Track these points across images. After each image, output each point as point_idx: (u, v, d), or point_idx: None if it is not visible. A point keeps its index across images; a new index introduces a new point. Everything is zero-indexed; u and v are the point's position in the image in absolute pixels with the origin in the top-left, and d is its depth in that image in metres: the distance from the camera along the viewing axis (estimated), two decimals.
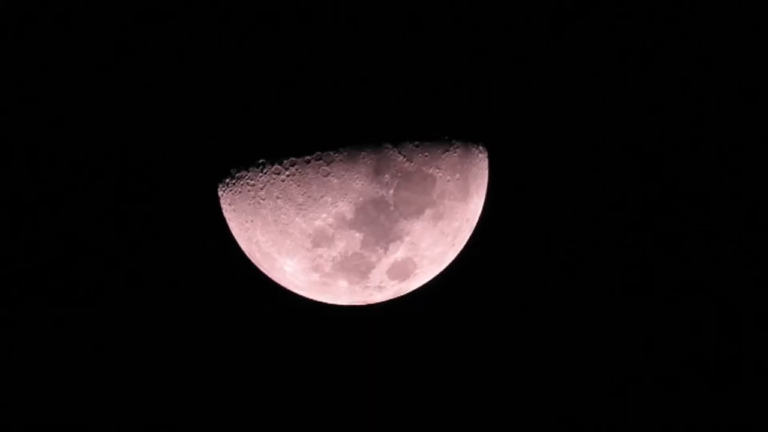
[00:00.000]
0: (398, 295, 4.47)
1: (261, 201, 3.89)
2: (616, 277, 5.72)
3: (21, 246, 5.17)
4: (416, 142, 3.74)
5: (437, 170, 3.84)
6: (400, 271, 4.08)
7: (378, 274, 4.03)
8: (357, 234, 3.81)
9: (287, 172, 3.72)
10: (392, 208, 3.76)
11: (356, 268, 3.95)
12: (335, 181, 3.68)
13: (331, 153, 3.64)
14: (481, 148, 4.18)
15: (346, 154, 3.64)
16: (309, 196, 3.73)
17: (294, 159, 3.69)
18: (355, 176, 3.67)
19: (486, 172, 4.33)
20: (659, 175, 5.45)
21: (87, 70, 4.90)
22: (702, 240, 5.48)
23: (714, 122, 5.26)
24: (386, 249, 3.90)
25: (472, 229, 4.44)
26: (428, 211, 3.89)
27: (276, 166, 3.74)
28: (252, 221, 4.04)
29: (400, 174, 3.72)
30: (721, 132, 5.26)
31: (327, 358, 5.88)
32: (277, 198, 3.81)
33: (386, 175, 3.70)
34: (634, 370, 5.71)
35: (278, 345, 5.84)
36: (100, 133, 5.09)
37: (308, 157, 3.66)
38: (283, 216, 3.84)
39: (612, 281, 5.73)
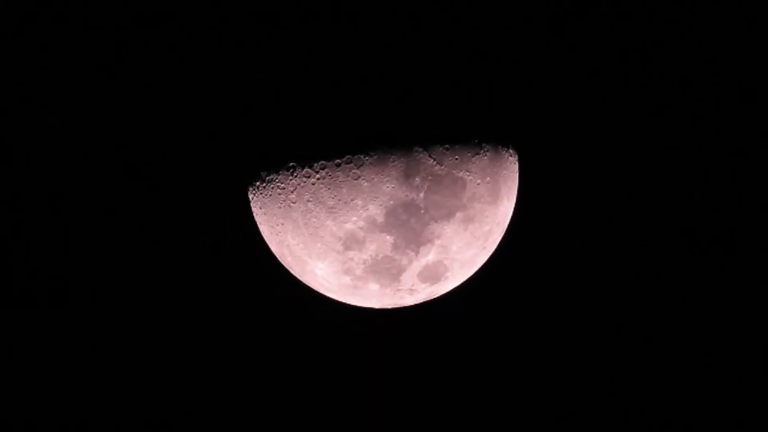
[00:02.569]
0: (429, 298, 4.47)
1: (292, 204, 3.91)
2: (657, 284, 5.69)
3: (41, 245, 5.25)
4: (446, 146, 3.74)
5: (467, 173, 3.84)
6: (431, 274, 4.08)
7: (409, 277, 4.03)
8: (388, 237, 3.82)
9: (318, 176, 3.74)
10: (423, 211, 3.76)
11: (387, 271, 3.96)
12: (366, 184, 3.69)
13: (362, 156, 3.66)
14: (511, 151, 4.18)
15: (376, 157, 3.65)
16: (339, 200, 3.75)
17: (324, 162, 3.71)
18: (386, 179, 3.68)
19: (516, 176, 4.32)
20: (703, 177, 5.41)
21: (102, 70, 4.97)
22: (746, 241, 5.42)
23: (754, 120, 5.25)
24: (417, 252, 3.90)
25: (503, 232, 4.44)
26: (459, 215, 3.89)
27: (306, 169, 3.76)
28: (283, 224, 4.06)
29: (430, 177, 3.72)
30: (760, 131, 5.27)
31: (358, 361, 5.89)
32: (308, 201, 3.82)
33: (416, 179, 3.70)
34: (685, 384, 5.66)
35: (309, 348, 5.87)
36: (132, 136, 5.19)
37: (339, 161, 3.68)
38: (313, 219, 3.86)
39: (652, 288, 5.70)
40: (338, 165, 3.69)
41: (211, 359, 5.76)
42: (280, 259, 4.48)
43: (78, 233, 5.31)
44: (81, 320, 5.45)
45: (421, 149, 3.68)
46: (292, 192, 3.87)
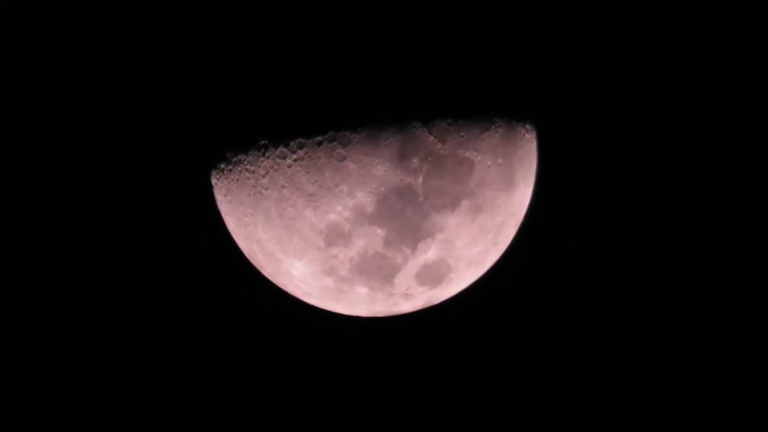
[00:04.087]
0: (429, 305, 4.49)
1: (263, 191, 3.93)
2: (697, 286, 5.75)
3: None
4: (450, 120, 3.72)
5: (475, 153, 3.83)
6: (431, 276, 4.10)
7: (404, 279, 4.05)
8: (379, 230, 3.84)
9: (294, 156, 3.74)
10: (421, 199, 3.77)
11: (378, 271, 3.98)
12: (352, 166, 3.69)
13: (348, 133, 3.65)
14: (528, 127, 4.18)
15: (365, 134, 3.64)
16: (321, 185, 3.75)
17: (303, 140, 3.70)
18: (377, 161, 3.68)
19: (534, 156, 4.32)
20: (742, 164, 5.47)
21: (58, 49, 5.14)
22: None
23: None
24: (414, 249, 3.92)
25: (518, 224, 4.45)
26: (465, 203, 3.90)
27: (281, 148, 3.76)
28: (252, 215, 4.08)
29: (430, 158, 3.72)
30: None
31: (342, 379, 5.91)
32: (283, 187, 3.83)
33: (414, 160, 3.70)
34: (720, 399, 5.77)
35: (284, 363, 5.89)
36: (70, 115, 5.32)
37: (320, 138, 3.68)
38: (289, 209, 3.87)
39: (693, 292, 5.76)
40: (319, 143, 3.68)
41: (168, 375, 5.82)
42: (248, 258, 4.49)
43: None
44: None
45: (419, 124, 3.67)
46: (263, 176, 3.89)
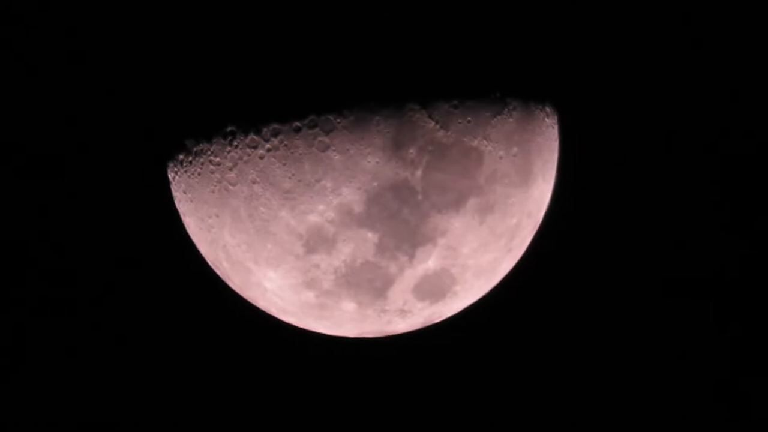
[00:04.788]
0: (429, 324, 4.45)
1: (230, 187, 3.81)
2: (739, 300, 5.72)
3: None
4: (454, 102, 3.61)
5: (485, 142, 3.71)
6: (431, 289, 4.03)
7: (400, 293, 3.97)
8: (369, 234, 3.73)
9: (268, 145, 3.62)
10: (420, 197, 3.66)
11: (369, 283, 3.89)
12: (337, 158, 3.57)
13: (332, 117, 3.54)
14: (548, 110, 4.09)
15: (352, 119, 3.53)
16: (300, 180, 3.63)
17: (277, 126, 3.59)
18: (367, 151, 3.56)
19: (555, 145, 4.26)
20: None
21: None
22: None
23: None
24: (412, 256, 3.82)
25: (537, 227, 4.39)
26: (472, 202, 3.79)
27: (252, 136, 3.65)
28: (217, 216, 3.97)
29: (431, 147, 3.61)
30: None
31: (325, 412, 5.83)
32: (254, 183, 3.73)
33: (411, 150, 3.58)
34: None
35: (255, 393, 5.84)
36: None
37: (298, 124, 3.56)
38: (262, 209, 3.76)
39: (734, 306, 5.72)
40: (297, 130, 3.56)
41: (116, 412, 5.80)
42: (212, 266, 4.44)
43: None
44: None
45: (417, 107, 3.55)
46: (230, 169, 3.77)
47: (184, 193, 4.12)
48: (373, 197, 3.63)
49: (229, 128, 3.69)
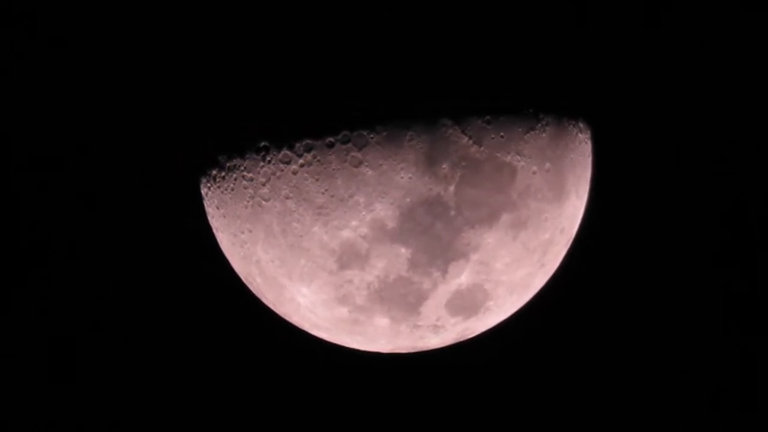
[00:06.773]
0: (462, 339, 4.45)
1: (263, 202, 3.83)
2: None
3: None
4: (487, 117, 3.62)
5: (518, 158, 3.73)
6: (464, 304, 4.03)
7: (433, 309, 3.97)
8: (402, 250, 3.74)
9: (301, 161, 3.63)
10: (453, 212, 3.67)
11: (402, 299, 3.89)
12: (370, 173, 3.59)
13: (365, 133, 3.55)
14: (581, 125, 4.10)
15: (385, 134, 3.54)
16: (332, 196, 3.65)
17: (310, 141, 3.60)
18: (400, 166, 3.56)
19: (589, 161, 4.27)
20: None
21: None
22: None
23: None
24: (445, 272, 3.82)
25: (569, 243, 4.40)
26: (505, 217, 3.80)
27: (285, 151, 3.66)
28: (250, 231, 3.99)
29: (464, 163, 3.62)
30: None
31: (359, 427, 5.84)
32: (287, 198, 3.73)
33: (444, 165, 3.59)
34: None
35: (288, 408, 5.84)
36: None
37: (331, 139, 3.58)
38: (295, 224, 3.77)
39: None
40: (331, 145, 3.58)
41: (155, 416, 5.82)
42: (245, 282, 4.44)
43: None
44: None
45: (450, 122, 3.56)
46: (263, 185, 3.79)
47: (217, 208, 4.15)
48: (406, 213, 3.63)
49: (262, 143, 3.71)
